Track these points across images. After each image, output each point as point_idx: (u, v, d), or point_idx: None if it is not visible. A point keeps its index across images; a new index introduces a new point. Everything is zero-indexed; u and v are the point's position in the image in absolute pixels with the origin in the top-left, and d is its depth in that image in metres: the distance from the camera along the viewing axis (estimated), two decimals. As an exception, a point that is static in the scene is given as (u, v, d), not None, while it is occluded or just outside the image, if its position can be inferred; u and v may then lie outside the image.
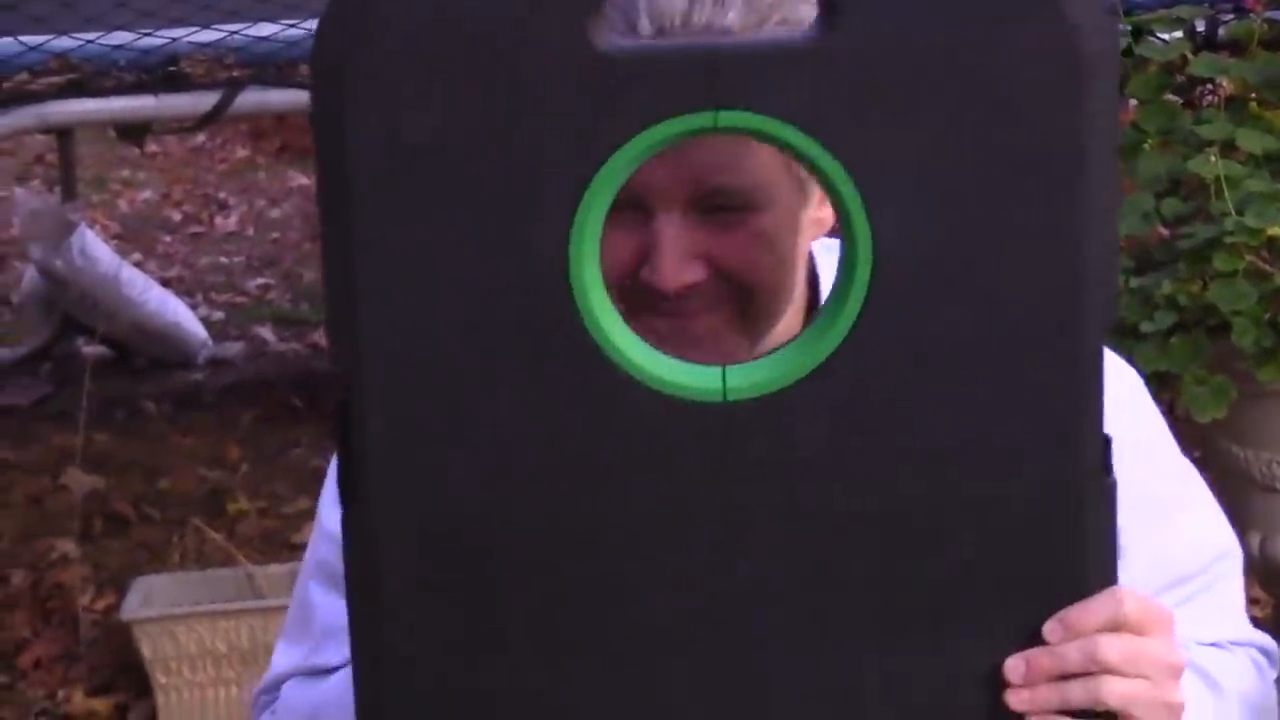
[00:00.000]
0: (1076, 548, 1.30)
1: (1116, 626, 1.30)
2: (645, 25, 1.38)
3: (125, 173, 9.39)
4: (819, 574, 1.29)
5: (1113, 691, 1.30)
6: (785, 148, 1.26)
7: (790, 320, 1.49)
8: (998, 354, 1.27)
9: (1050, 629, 1.29)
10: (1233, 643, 1.57)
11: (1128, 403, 1.58)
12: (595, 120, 1.23)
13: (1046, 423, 1.28)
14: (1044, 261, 1.26)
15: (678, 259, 1.39)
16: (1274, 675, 1.61)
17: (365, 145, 1.24)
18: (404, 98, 1.23)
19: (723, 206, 1.39)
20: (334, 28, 1.24)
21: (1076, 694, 1.30)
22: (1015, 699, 1.30)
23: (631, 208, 1.38)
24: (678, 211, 1.39)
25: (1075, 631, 1.29)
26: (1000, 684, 1.30)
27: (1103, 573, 1.31)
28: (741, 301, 1.42)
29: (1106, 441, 1.29)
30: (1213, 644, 1.55)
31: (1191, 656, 1.51)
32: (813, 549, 1.29)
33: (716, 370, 1.28)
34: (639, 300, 1.40)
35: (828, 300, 1.29)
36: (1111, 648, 1.29)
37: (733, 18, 1.38)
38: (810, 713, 1.31)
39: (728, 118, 1.24)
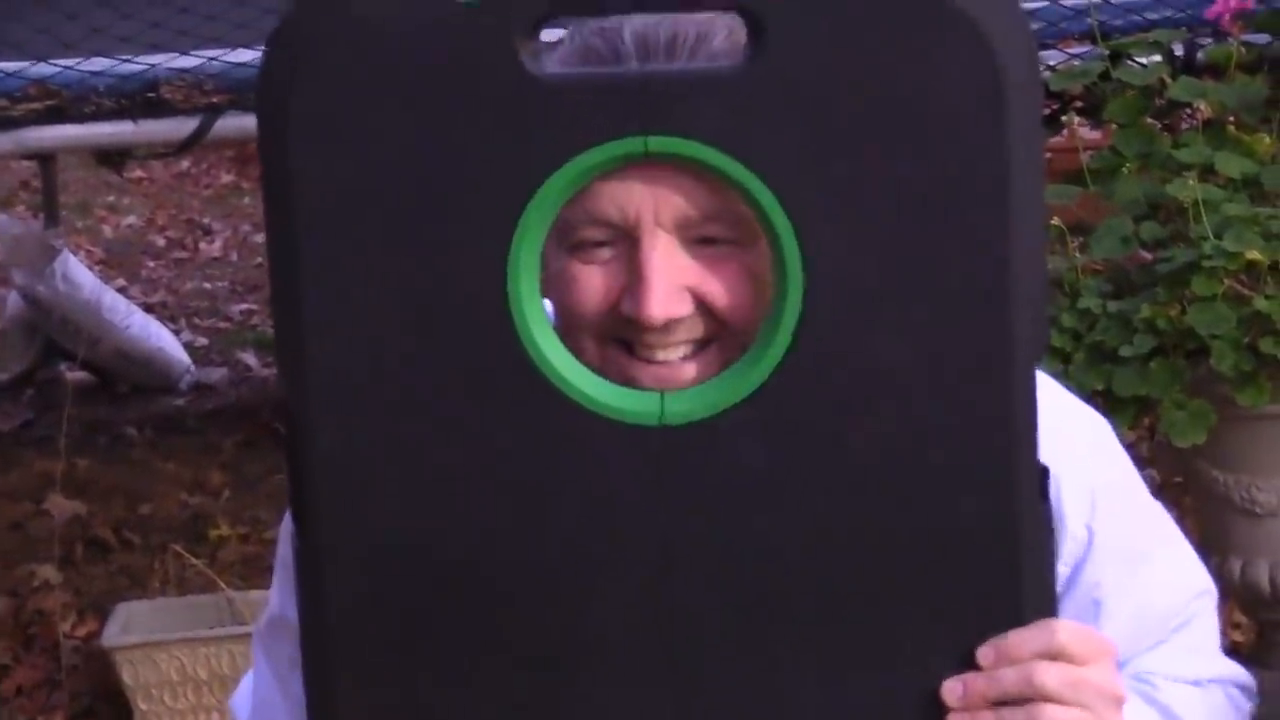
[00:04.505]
0: (1013, 575, 1.30)
1: (1053, 654, 1.30)
2: (630, 52, 1.37)
3: (110, 198, 9.38)
4: (756, 597, 1.30)
5: (1051, 719, 1.29)
6: (716, 174, 1.27)
7: None
8: (929, 378, 1.28)
9: (984, 653, 1.30)
10: (1209, 680, 1.57)
11: (1096, 449, 1.57)
12: (529, 146, 1.26)
13: (981, 448, 1.29)
14: (972, 284, 1.27)
15: (665, 289, 1.34)
16: (1250, 709, 1.60)
17: (309, 176, 1.26)
18: (345, 129, 1.26)
19: (711, 239, 1.36)
20: (277, 62, 1.27)
21: None
22: None
23: (612, 240, 1.36)
24: (663, 241, 1.35)
25: (1009, 657, 1.29)
26: (939, 709, 1.30)
27: (1040, 600, 1.32)
28: (720, 338, 1.37)
29: (1043, 471, 1.30)
30: (1190, 681, 1.55)
31: (1157, 695, 1.52)
32: (749, 572, 1.30)
33: (654, 395, 1.30)
34: (614, 338, 1.38)
35: (763, 326, 1.31)
36: (1049, 674, 1.29)
37: (718, 44, 1.36)
38: None
39: (658, 143, 1.26)
